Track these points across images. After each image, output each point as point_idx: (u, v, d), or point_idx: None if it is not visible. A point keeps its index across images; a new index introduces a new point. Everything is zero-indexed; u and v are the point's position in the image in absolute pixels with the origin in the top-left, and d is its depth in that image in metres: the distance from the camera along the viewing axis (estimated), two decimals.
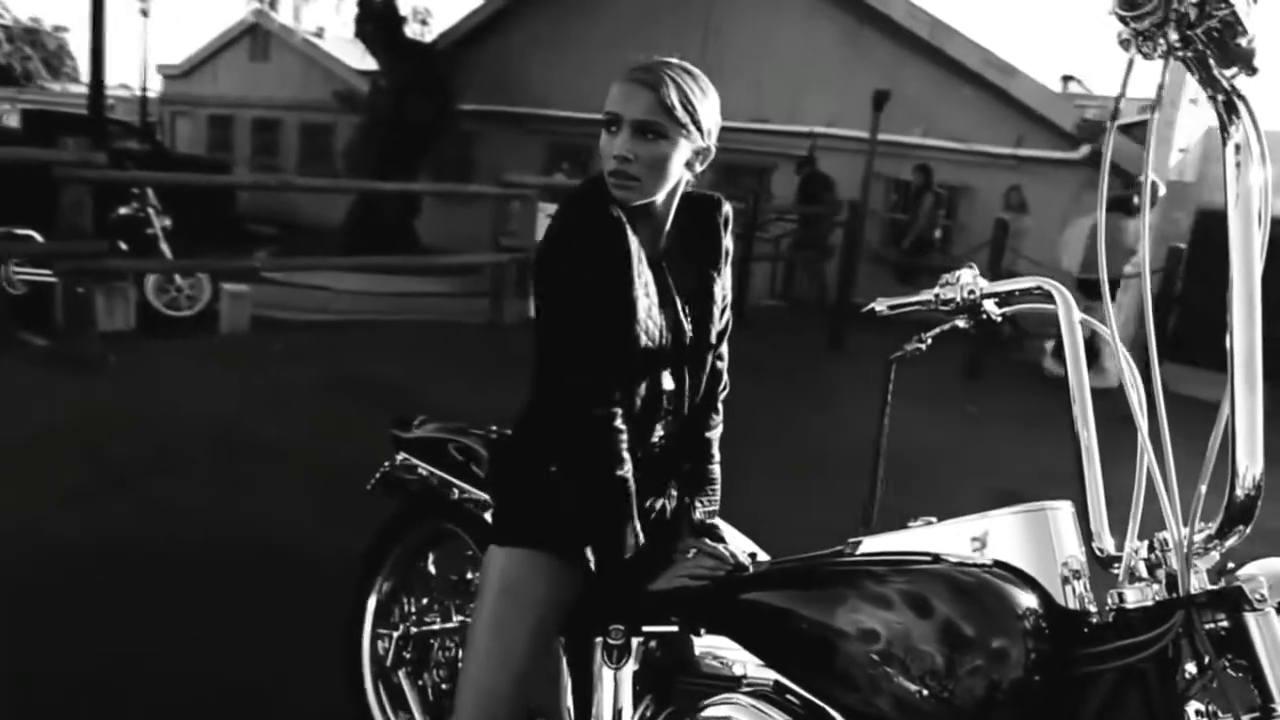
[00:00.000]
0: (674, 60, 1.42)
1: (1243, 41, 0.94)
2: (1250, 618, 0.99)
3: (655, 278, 1.47)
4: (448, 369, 6.00)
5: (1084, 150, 10.26)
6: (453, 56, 15.27)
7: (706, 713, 1.36)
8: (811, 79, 11.86)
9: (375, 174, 13.07)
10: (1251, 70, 0.97)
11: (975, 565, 1.17)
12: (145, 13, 21.98)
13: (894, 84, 9.18)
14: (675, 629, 1.49)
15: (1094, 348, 5.10)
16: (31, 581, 2.84)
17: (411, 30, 15.04)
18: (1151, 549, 1.10)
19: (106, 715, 2.30)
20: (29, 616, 2.66)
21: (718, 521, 1.63)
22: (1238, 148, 1.01)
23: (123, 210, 7.61)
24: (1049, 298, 1.39)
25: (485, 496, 1.82)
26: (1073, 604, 1.12)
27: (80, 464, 3.81)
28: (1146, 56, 0.99)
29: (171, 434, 4.28)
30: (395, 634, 2.08)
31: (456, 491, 1.91)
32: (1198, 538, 1.03)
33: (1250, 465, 0.99)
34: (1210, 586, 1.02)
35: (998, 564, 1.17)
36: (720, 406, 1.65)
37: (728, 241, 1.57)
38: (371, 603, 2.14)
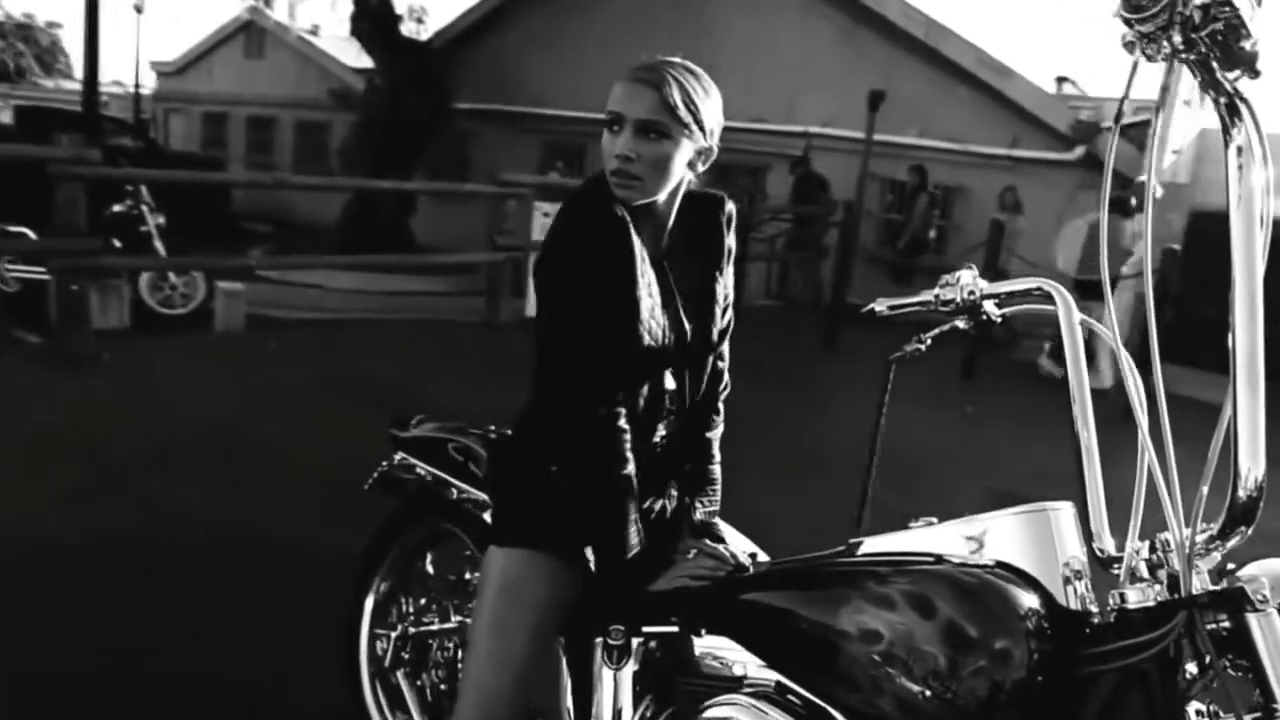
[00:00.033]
0: (677, 60, 1.41)
1: (1246, 44, 0.95)
2: (1252, 618, 0.99)
3: (657, 277, 1.47)
4: (444, 368, 5.99)
5: (1078, 151, 10.29)
6: (448, 55, 15.25)
7: (708, 713, 1.36)
8: (807, 79, 11.88)
9: (370, 172, 13.04)
10: (1255, 73, 0.98)
11: (977, 566, 1.17)
12: (140, 9, 21.89)
13: (889, 84, 9.20)
14: (675, 629, 1.49)
15: (1090, 348, 5.12)
16: (29, 581, 2.83)
17: (407, 28, 15.06)
18: (1153, 549, 1.10)
19: (107, 715, 2.29)
20: (28, 616, 2.65)
21: (718, 522, 1.63)
22: (1240, 150, 1.02)
23: (117, 208, 7.59)
24: (1049, 298, 1.40)
25: (484, 496, 1.82)
26: (1074, 604, 1.13)
27: (75, 463, 3.79)
28: (1150, 59, 0.99)
29: (167, 433, 4.27)
30: (393, 634, 2.07)
31: (455, 491, 1.90)
32: (1199, 538, 1.04)
33: (1252, 466, 0.99)
34: (1212, 587, 1.02)
35: (999, 565, 1.17)
36: (721, 407, 1.65)
37: (730, 240, 1.57)
38: (369, 603, 2.14)
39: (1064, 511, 1.19)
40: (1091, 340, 4.54)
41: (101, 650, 2.50)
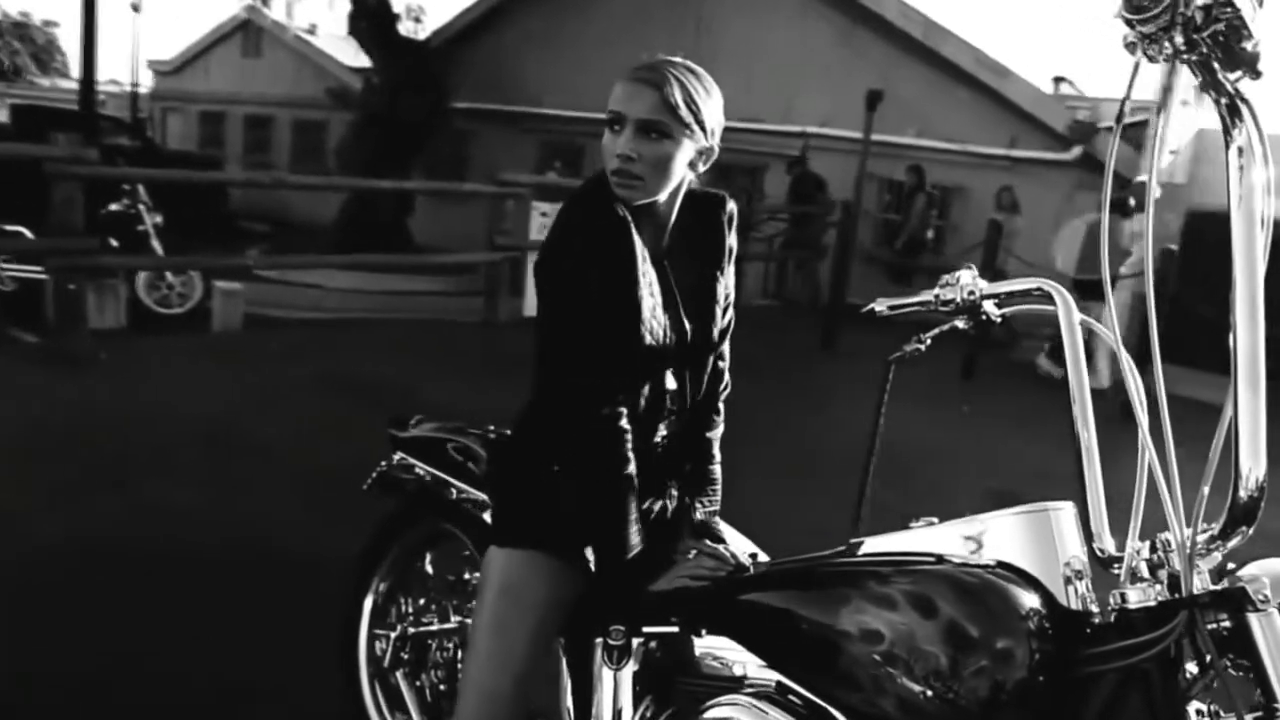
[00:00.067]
0: (678, 59, 1.41)
1: (1248, 45, 0.95)
2: (1253, 618, 1.00)
3: (658, 277, 1.47)
4: (442, 368, 5.99)
5: (1076, 151, 10.31)
6: (446, 54, 15.24)
7: (709, 714, 1.36)
8: (805, 79, 11.89)
9: (368, 172, 13.03)
10: (1256, 74, 0.98)
11: (978, 566, 1.17)
12: (136, 7, 21.86)
13: (887, 84, 9.21)
14: (676, 629, 1.49)
15: (1087, 348, 5.12)
16: (27, 581, 2.82)
17: (405, 27, 15.01)
18: (1153, 549, 1.10)
19: (106, 715, 2.29)
20: (27, 616, 2.64)
21: (718, 522, 1.63)
22: (1241, 151, 1.02)
23: (114, 207, 7.57)
24: (1049, 299, 1.40)
25: (483, 496, 1.81)
26: (1075, 604, 1.13)
27: (72, 462, 3.79)
28: (1152, 60, 0.99)
29: (164, 432, 4.26)
30: (393, 635, 2.07)
31: (454, 491, 1.90)
32: (1200, 538, 1.04)
33: (1253, 466, 0.99)
34: (1213, 587, 1.03)
35: (1000, 564, 1.17)
36: (721, 407, 1.65)
37: (732, 240, 1.57)
38: (368, 603, 2.13)
39: (1064, 511, 1.19)
40: (1089, 340, 4.54)
41: (101, 650, 2.50)
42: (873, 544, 1.32)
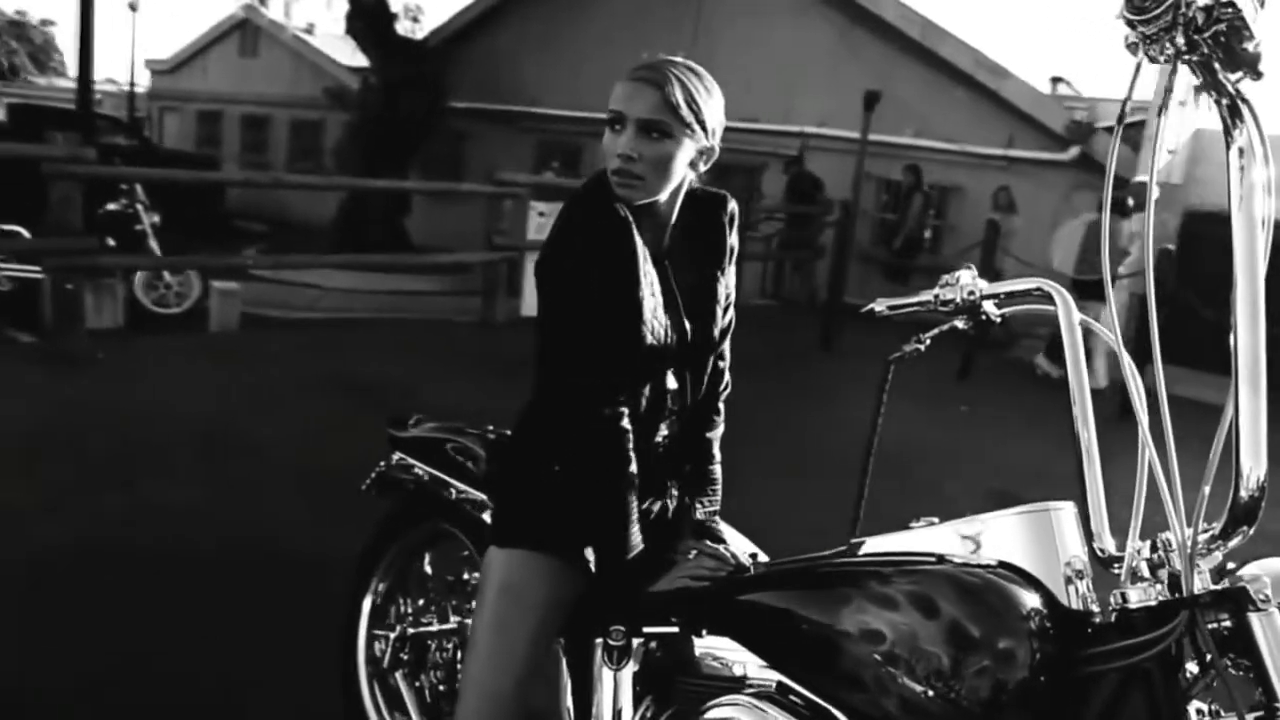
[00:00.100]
0: (679, 59, 1.41)
1: (1249, 46, 0.95)
2: (1254, 618, 1.00)
3: (659, 276, 1.47)
4: (440, 367, 5.99)
5: (1073, 152, 10.32)
6: (444, 54, 15.22)
7: (709, 714, 1.36)
8: (803, 79, 11.89)
9: (366, 171, 13.02)
10: (1257, 75, 0.98)
11: (979, 566, 1.17)
12: (134, 6, 21.83)
13: (885, 84, 9.20)
14: (676, 630, 1.49)
15: (1085, 348, 5.13)
16: (31, 580, 2.82)
17: (402, 27, 14.98)
18: (1154, 549, 1.10)
19: (115, 714, 2.28)
20: (33, 615, 2.64)
21: (718, 522, 1.63)
22: (1241, 151, 1.02)
23: (111, 206, 7.56)
24: (1048, 299, 1.40)
25: (482, 496, 1.81)
26: (1076, 604, 1.13)
27: (70, 463, 3.78)
28: (1153, 60, 0.99)
29: (162, 432, 4.26)
30: (392, 635, 2.06)
31: (453, 491, 1.90)
32: (1201, 538, 1.04)
33: (1254, 466, 0.99)
34: (1214, 587, 1.03)
35: (1001, 564, 1.17)
36: (721, 407, 1.65)
37: (733, 239, 1.57)
38: (367, 603, 2.13)
39: (1065, 511, 1.19)
40: (1087, 340, 4.55)
41: (109, 650, 2.49)
42: (873, 544, 1.32)
